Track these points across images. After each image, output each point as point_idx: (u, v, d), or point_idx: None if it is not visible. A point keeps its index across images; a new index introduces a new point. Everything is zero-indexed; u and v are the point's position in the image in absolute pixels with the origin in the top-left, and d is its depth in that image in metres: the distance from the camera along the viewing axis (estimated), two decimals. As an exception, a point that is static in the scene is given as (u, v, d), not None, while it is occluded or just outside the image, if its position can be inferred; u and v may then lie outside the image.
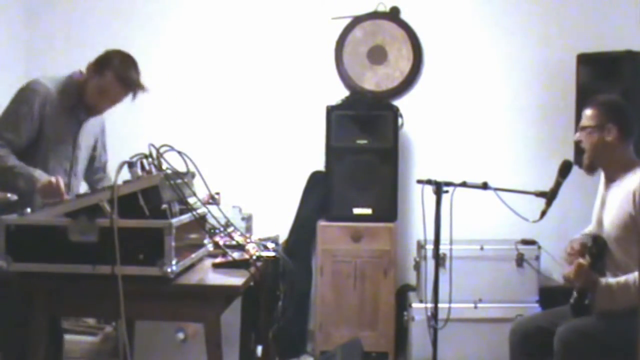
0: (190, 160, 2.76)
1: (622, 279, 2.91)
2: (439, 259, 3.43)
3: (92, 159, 3.45)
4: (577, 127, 3.18)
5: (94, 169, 3.48)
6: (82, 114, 3.26)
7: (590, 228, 3.25)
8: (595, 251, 3.01)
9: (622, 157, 3.07)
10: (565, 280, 3.11)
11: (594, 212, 3.19)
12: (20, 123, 3.08)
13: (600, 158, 3.09)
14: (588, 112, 3.11)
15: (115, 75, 3.10)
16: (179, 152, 2.72)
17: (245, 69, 4.81)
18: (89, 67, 3.17)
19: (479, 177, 3.47)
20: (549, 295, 4.13)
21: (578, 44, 4.44)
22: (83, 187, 3.46)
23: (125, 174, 2.56)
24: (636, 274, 2.87)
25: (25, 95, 3.13)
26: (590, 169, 3.15)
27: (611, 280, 2.93)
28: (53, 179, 2.90)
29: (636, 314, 2.24)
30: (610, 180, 3.11)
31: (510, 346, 3.24)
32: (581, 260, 2.97)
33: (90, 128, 3.36)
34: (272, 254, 3.00)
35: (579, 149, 3.24)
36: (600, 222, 3.11)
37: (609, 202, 3.07)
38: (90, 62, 3.17)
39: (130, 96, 3.19)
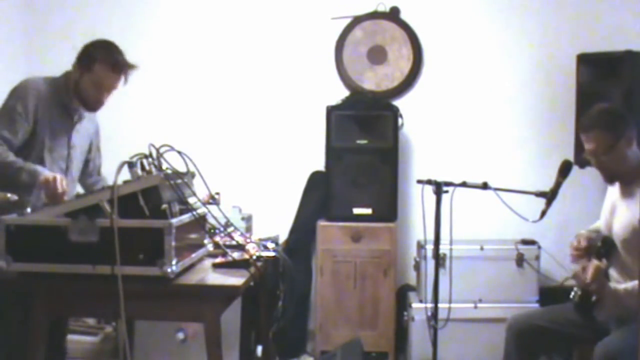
0: (190, 160, 2.76)
1: (629, 285, 2.91)
2: (439, 259, 3.42)
3: (86, 162, 3.44)
4: (591, 150, 3.01)
5: (89, 171, 3.47)
6: (75, 113, 3.26)
7: (596, 224, 3.24)
8: (604, 252, 3.02)
9: (637, 158, 3.02)
10: (574, 278, 3.06)
11: (603, 216, 3.17)
12: (16, 122, 3.07)
13: (623, 167, 3.01)
14: (597, 133, 2.97)
15: (105, 66, 3.12)
16: (179, 152, 2.72)
17: (246, 69, 4.81)
18: (74, 67, 3.18)
19: (479, 177, 3.47)
20: (549, 295, 4.12)
21: (578, 44, 4.44)
22: (78, 189, 3.45)
23: (125, 174, 2.56)
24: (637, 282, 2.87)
25: (19, 94, 3.12)
26: (613, 181, 3.11)
27: (619, 286, 2.93)
28: (51, 177, 2.90)
29: None
30: (627, 184, 3.04)
31: (505, 341, 3.24)
32: (597, 263, 2.93)
33: (85, 129, 3.35)
34: (272, 254, 3.00)
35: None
36: (609, 227, 3.09)
37: (621, 205, 3.04)
38: (74, 62, 3.17)
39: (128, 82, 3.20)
